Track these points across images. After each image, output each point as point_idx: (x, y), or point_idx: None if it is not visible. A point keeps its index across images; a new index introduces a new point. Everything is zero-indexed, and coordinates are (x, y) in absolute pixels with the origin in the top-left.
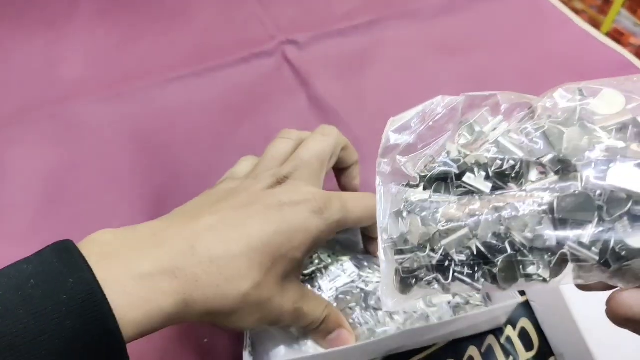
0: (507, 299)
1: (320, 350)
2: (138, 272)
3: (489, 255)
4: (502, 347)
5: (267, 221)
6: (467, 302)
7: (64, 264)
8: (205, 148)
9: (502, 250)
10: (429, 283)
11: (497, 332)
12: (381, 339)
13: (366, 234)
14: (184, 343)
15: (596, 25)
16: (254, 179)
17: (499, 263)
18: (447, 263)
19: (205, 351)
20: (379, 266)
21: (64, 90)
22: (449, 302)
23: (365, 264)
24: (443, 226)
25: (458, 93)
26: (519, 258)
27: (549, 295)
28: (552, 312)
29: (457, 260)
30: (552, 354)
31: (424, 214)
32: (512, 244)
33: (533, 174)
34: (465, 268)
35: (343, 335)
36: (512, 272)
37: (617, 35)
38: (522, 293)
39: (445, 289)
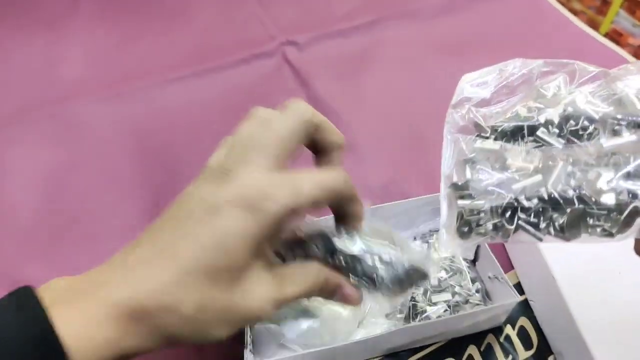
0: (507, 298)
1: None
2: (88, 314)
3: (561, 202)
4: (502, 346)
5: (196, 238)
6: (467, 301)
7: (19, 311)
8: (205, 148)
9: (571, 202)
10: (492, 229)
11: (497, 331)
12: (382, 336)
13: (337, 210)
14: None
15: (595, 25)
16: (203, 179)
17: (568, 212)
18: (513, 209)
19: (206, 349)
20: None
21: (64, 90)
22: (447, 301)
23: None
24: (513, 173)
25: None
26: (588, 210)
27: (548, 294)
28: (551, 311)
29: (525, 205)
30: (551, 352)
31: (495, 162)
32: (581, 198)
33: (607, 134)
34: (532, 216)
35: (347, 292)
36: (578, 224)
37: (615, 36)
38: (521, 292)
39: (505, 236)
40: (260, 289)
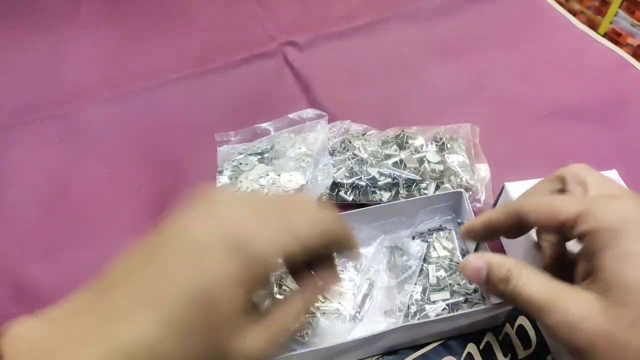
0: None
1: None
2: None
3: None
4: (501, 344)
5: (181, 284)
6: (466, 300)
7: None
8: (206, 148)
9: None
10: None
11: (496, 329)
12: (380, 334)
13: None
14: None
15: (594, 26)
16: (190, 211)
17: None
18: None
19: None
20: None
21: (67, 91)
22: (446, 300)
23: None
24: None
25: (458, 93)
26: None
27: None
28: None
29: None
30: (549, 351)
31: None
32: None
33: None
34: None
35: (326, 283)
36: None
37: (614, 36)
38: None
39: None
40: (249, 340)
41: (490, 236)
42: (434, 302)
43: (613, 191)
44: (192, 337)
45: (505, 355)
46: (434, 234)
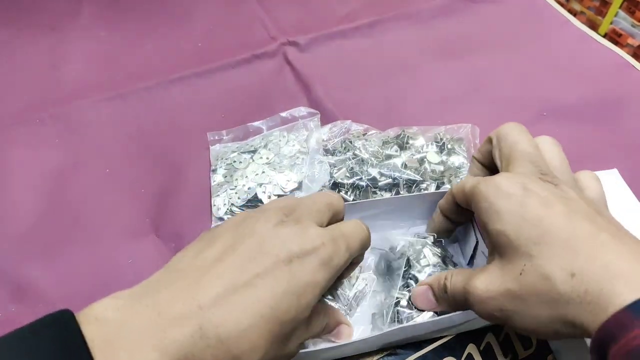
0: None
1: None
2: None
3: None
4: (501, 345)
5: (276, 281)
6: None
7: (64, 354)
8: (207, 148)
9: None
10: None
11: (496, 330)
12: (378, 336)
13: None
14: None
15: (594, 26)
16: (261, 211)
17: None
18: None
19: None
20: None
21: (67, 91)
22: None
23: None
24: None
25: (458, 94)
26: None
27: None
28: None
29: None
30: (550, 351)
31: None
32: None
33: None
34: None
35: (342, 330)
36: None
37: (614, 36)
38: None
39: None
40: (297, 341)
41: (447, 226)
42: (421, 310)
43: (530, 151)
44: (273, 335)
45: (505, 356)
46: (426, 239)
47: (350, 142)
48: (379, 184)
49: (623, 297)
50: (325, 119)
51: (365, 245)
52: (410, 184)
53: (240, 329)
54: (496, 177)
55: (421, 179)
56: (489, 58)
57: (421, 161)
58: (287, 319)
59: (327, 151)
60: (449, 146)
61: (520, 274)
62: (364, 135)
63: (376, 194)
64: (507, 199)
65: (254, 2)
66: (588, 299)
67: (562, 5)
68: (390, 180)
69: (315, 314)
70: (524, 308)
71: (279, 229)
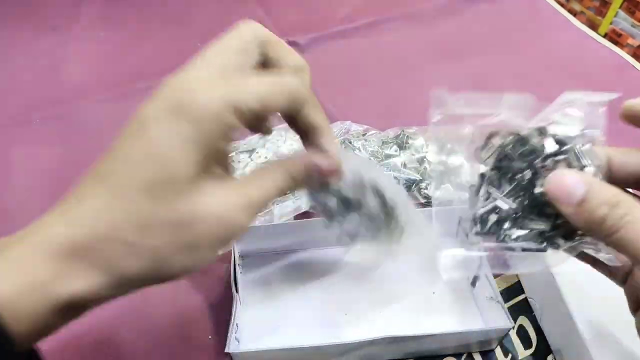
0: (501, 322)
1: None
2: (21, 260)
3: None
4: (501, 345)
5: (127, 155)
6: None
7: None
8: None
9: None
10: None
11: None
12: (374, 340)
13: (295, 121)
14: (188, 340)
15: (594, 26)
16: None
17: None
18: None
19: (209, 348)
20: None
21: (68, 92)
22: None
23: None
24: None
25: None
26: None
27: (548, 293)
28: (550, 309)
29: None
30: (550, 351)
31: None
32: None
33: None
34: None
35: (324, 168)
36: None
37: (614, 36)
38: (521, 291)
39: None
40: (217, 197)
41: None
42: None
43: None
44: (140, 204)
45: (505, 356)
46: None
47: (350, 142)
48: None
49: None
50: None
51: (289, 91)
52: (410, 184)
53: (99, 210)
54: None
55: (421, 178)
56: (488, 58)
57: (421, 161)
58: (152, 185)
59: None
60: (449, 146)
61: None
62: (363, 135)
63: None
64: None
65: (254, 1)
66: None
67: (562, 5)
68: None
69: (248, 178)
70: None
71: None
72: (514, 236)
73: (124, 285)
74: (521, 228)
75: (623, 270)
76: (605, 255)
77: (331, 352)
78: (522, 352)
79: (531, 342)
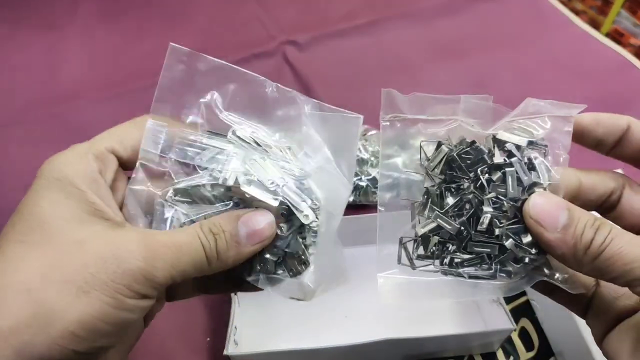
0: (503, 324)
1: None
2: None
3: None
4: (503, 347)
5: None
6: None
7: None
8: None
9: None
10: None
11: None
12: (370, 343)
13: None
14: (186, 342)
15: (596, 25)
16: None
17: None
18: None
19: (207, 349)
20: None
21: (66, 91)
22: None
23: None
24: None
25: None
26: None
27: None
28: (552, 311)
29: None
30: (552, 353)
31: None
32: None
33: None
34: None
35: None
36: None
37: (617, 36)
38: (523, 293)
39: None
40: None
41: None
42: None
43: None
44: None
45: (507, 358)
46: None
47: None
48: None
49: None
50: None
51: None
52: (410, 184)
53: None
54: None
55: (422, 178)
56: (489, 57)
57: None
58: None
59: None
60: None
61: None
62: (363, 135)
63: (376, 194)
64: None
65: (253, 1)
66: None
67: (564, 4)
68: (390, 180)
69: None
70: None
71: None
72: (457, 260)
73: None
74: (466, 251)
75: (582, 302)
76: (560, 277)
77: (331, 355)
78: (524, 354)
79: (533, 344)
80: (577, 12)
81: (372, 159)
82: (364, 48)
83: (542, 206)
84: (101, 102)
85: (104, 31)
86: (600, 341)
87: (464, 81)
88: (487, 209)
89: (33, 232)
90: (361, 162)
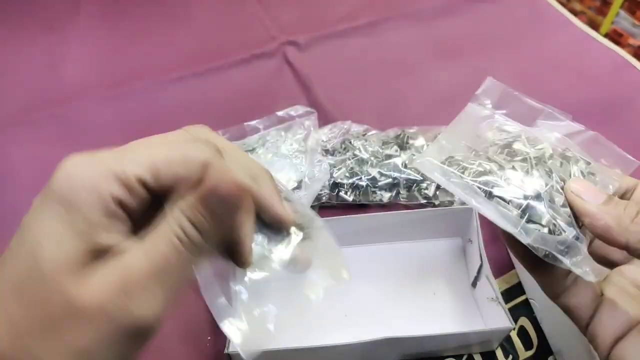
0: (502, 323)
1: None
2: None
3: None
4: (502, 346)
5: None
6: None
7: None
8: None
9: None
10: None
11: None
12: (367, 342)
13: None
14: (187, 341)
15: (595, 26)
16: None
17: None
18: None
19: (208, 349)
20: None
21: (67, 91)
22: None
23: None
24: None
25: (458, 94)
26: None
27: None
28: (551, 310)
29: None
30: (551, 352)
31: None
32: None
33: None
34: None
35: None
36: None
37: (615, 36)
38: (522, 292)
39: None
40: (91, 285)
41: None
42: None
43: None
44: (14, 304)
45: (506, 357)
46: None
47: (350, 142)
48: (379, 183)
49: None
50: (325, 119)
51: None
52: (410, 184)
53: None
54: None
55: (421, 178)
56: (489, 58)
57: None
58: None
59: (326, 151)
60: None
61: None
62: (363, 135)
63: (376, 193)
64: None
65: (254, 1)
66: None
67: (562, 5)
68: (390, 180)
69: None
70: None
71: None
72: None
73: None
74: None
75: (585, 319)
76: (580, 259)
77: (331, 354)
78: (523, 353)
79: (532, 343)
80: (575, 13)
81: (372, 159)
82: (364, 48)
83: (583, 183)
84: (102, 102)
85: (105, 32)
86: (608, 349)
87: (463, 81)
88: None
89: (21, 280)
90: (361, 162)
